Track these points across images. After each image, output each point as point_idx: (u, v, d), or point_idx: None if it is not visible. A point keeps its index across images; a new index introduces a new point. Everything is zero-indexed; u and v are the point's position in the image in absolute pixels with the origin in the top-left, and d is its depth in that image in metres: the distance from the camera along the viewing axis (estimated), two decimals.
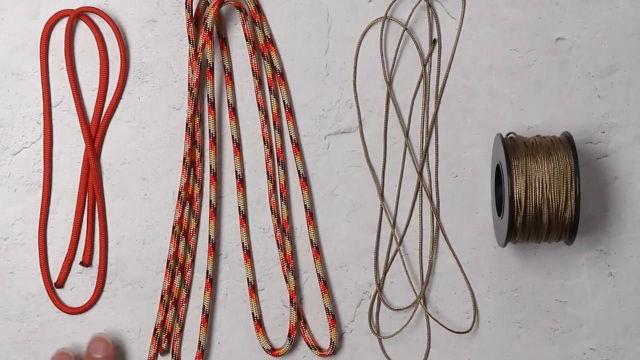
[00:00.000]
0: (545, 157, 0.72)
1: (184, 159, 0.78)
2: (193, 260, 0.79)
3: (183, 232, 0.78)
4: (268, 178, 0.78)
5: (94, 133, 0.79)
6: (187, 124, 0.77)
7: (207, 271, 0.78)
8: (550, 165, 0.72)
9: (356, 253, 0.79)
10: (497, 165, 0.75)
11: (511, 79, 0.78)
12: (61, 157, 0.79)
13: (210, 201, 0.78)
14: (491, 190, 0.78)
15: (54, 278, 0.79)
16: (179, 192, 0.78)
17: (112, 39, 0.79)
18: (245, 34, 0.77)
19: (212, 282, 0.78)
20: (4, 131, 0.79)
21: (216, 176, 0.78)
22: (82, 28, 0.79)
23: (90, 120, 0.79)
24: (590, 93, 0.78)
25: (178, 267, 0.78)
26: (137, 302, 0.79)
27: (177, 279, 0.78)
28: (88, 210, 0.79)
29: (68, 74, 0.79)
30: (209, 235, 0.78)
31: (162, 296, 0.78)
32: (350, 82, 0.79)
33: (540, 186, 0.72)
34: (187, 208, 0.78)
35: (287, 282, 0.78)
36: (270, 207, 0.78)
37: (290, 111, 0.78)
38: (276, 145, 0.79)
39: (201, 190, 0.79)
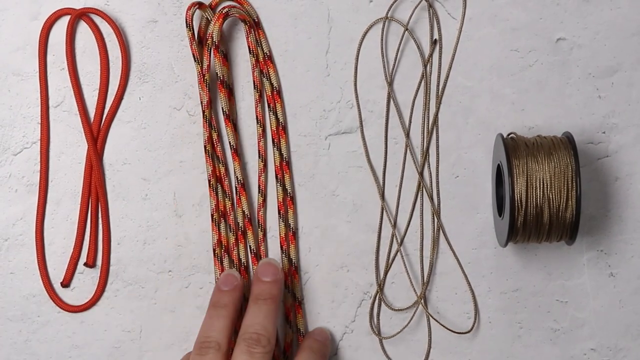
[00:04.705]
0: (546, 157, 0.72)
1: (209, 180, 0.78)
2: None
3: (224, 250, 0.78)
4: (259, 192, 0.79)
5: (96, 133, 0.79)
6: (205, 147, 0.77)
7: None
8: (551, 166, 0.72)
9: (357, 253, 0.79)
10: (498, 165, 0.75)
11: (512, 79, 0.78)
12: (62, 157, 0.79)
13: (243, 212, 0.78)
14: (492, 191, 0.78)
15: (59, 278, 0.79)
16: (212, 214, 0.78)
17: (113, 39, 0.79)
18: (248, 46, 0.78)
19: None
20: (5, 132, 0.79)
21: (244, 186, 0.78)
22: (83, 28, 0.79)
23: (91, 121, 0.79)
24: (591, 93, 0.78)
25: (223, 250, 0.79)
26: (137, 303, 0.79)
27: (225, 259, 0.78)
28: (91, 210, 0.79)
29: (69, 74, 0.79)
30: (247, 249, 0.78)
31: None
32: (351, 83, 0.79)
33: (541, 186, 0.72)
34: (222, 224, 0.78)
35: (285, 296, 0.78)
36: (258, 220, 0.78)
37: (284, 129, 0.78)
38: (274, 161, 0.78)
39: (233, 205, 0.78)
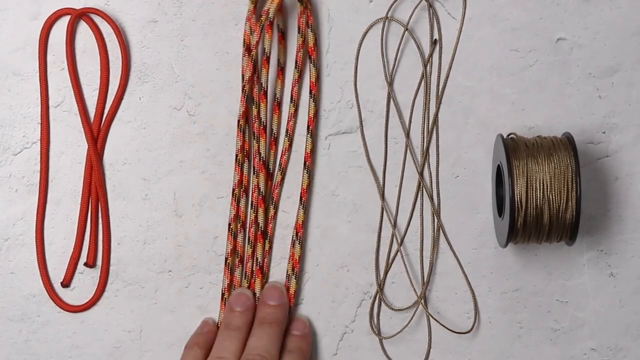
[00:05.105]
0: (546, 157, 0.72)
1: (236, 155, 0.78)
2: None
3: (241, 225, 0.78)
4: (279, 169, 0.78)
5: (96, 133, 0.79)
6: (238, 121, 0.77)
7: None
8: (551, 166, 0.72)
9: (357, 253, 0.79)
10: (498, 165, 0.75)
11: (512, 79, 0.78)
12: (62, 157, 0.79)
13: (259, 188, 0.78)
14: (492, 191, 0.78)
15: (59, 278, 0.79)
16: (233, 189, 0.78)
17: (113, 39, 0.79)
18: (299, 26, 0.77)
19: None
20: (5, 131, 0.79)
21: (265, 163, 0.78)
22: (83, 28, 0.79)
23: (91, 121, 0.79)
24: (591, 93, 0.78)
25: (238, 259, 0.78)
26: (138, 303, 0.79)
27: (238, 271, 0.78)
28: (91, 210, 0.79)
29: (69, 74, 0.79)
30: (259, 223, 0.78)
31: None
32: (351, 83, 0.79)
33: (541, 187, 0.72)
34: (242, 200, 0.78)
35: (288, 282, 0.78)
36: (274, 198, 0.78)
37: (316, 117, 0.78)
38: (305, 149, 0.78)
39: (258, 182, 0.78)
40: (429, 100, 0.79)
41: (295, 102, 0.78)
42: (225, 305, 0.77)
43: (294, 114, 0.79)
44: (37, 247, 0.79)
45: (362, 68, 0.79)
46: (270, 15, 0.75)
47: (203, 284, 0.79)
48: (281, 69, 0.79)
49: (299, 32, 0.77)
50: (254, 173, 0.78)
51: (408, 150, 0.79)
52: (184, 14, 0.79)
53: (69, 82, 0.79)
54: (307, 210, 0.79)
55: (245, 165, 0.78)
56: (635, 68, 0.78)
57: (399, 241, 0.79)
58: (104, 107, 0.79)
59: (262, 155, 0.78)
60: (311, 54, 0.78)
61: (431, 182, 0.79)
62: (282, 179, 0.79)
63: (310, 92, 0.78)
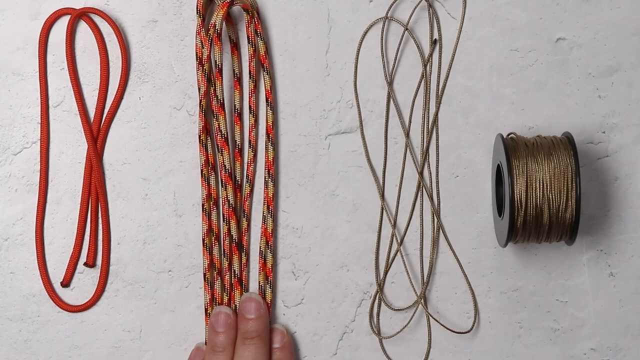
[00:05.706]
0: (545, 157, 0.72)
1: (201, 170, 0.78)
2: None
3: (215, 237, 0.78)
4: (247, 181, 0.78)
5: (96, 133, 0.79)
6: (199, 136, 0.77)
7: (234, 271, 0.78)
8: (550, 166, 0.72)
9: (357, 253, 0.79)
10: (498, 165, 0.75)
11: (512, 79, 0.78)
12: (62, 157, 0.79)
13: (229, 201, 0.78)
14: (492, 191, 0.78)
15: (59, 278, 0.79)
16: (202, 204, 0.78)
17: (113, 39, 0.79)
18: (248, 36, 0.77)
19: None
20: (5, 131, 0.79)
21: (231, 176, 0.78)
22: (83, 28, 0.79)
23: (91, 121, 0.79)
24: (591, 93, 0.78)
25: (216, 272, 0.78)
26: (137, 302, 0.79)
27: (217, 284, 0.78)
28: (91, 210, 0.79)
29: (69, 74, 0.79)
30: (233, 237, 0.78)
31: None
32: (351, 82, 0.79)
33: (541, 186, 0.72)
34: (214, 213, 0.78)
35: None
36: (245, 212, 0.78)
37: (275, 124, 0.78)
38: (267, 157, 0.78)
39: (227, 195, 0.78)
40: (429, 100, 0.79)
41: (254, 113, 0.78)
42: (208, 320, 0.78)
43: (255, 124, 0.78)
44: (37, 247, 0.79)
45: (362, 68, 0.79)
46: (217, 28, 0.75)
47: (203, 283, 0.79)
48: (237, 80, 0.79)
49: (248, 42, 0.77)
50: (222, 186, 0.78)
51: (408, 150, 0.79)
52: (183, 14, 0.79)
53: (68, 82, 0.79)
54: (275, 218, 0.78)
55: (212, 178, 0.78)
56: (635, 68, 0.78)
57: (399, 241, 0.79)
58: (103, 107, 0.79)
59: (228, 167, 0.77)
60: (263, 62, 0.78)
61: (431, 182, 0.79)
62: (252, 191, 0.78)
63: (267, 101, 0.78)
